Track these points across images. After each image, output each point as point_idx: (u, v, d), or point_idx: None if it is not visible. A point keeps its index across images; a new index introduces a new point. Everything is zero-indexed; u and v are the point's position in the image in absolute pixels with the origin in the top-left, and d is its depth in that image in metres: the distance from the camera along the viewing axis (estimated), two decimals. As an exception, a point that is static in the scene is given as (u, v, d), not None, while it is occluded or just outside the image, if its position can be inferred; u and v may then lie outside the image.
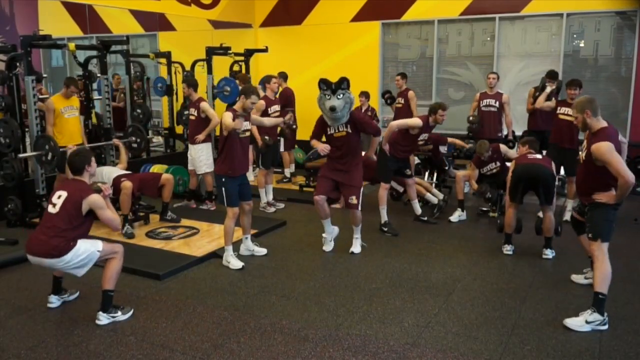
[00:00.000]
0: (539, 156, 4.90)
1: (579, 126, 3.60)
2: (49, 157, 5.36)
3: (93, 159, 3.68)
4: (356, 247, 5.02)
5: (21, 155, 5.62)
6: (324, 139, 4.92)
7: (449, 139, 6.80)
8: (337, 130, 4.75)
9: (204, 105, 6.14)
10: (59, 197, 3.49)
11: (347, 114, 4.65)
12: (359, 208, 4.87)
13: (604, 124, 3.52)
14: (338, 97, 4.53)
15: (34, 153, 5.43)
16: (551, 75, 6.56)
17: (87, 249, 3.52)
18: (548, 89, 6.17)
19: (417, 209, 6.00)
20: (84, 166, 3.59)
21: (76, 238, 3.49)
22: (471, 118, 6.82)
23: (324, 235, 5.09)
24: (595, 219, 3.59)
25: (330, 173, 4.89)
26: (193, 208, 6.56)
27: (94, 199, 3.49)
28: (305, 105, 7.81)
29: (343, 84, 4.53)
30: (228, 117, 4.40)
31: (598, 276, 3.49)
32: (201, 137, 6.20)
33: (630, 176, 3.32)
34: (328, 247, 5.07)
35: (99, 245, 3.57)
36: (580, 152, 3.79)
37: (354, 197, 4.83)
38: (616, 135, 3.52)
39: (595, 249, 3.55)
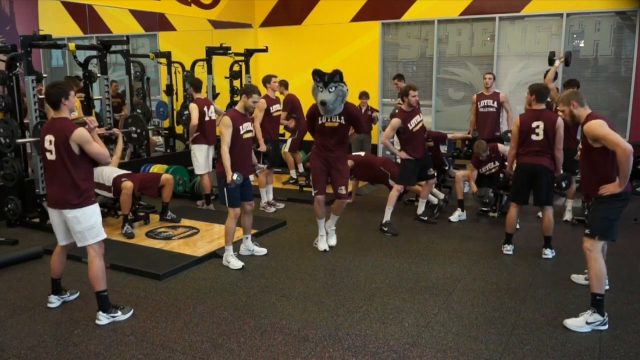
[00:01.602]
0: (541, 132, 4.63)
1: (568, 119, 3.60)
2: None
3: (72, 93, 3.52)
4: (332, 239, 5.11)
5: (19, 140, 5.55)
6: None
7: (449, 135, 6.82)
8: (329, 120, 4.74)
9: (190, 106, 6.26)
10: (50, 143, 3.44)
11: (339, 106, 4.61)
12: (347, 198, 4.97)
13: (590, 111, 3.51)
14: (330, 90, 4.49)
15: (34, 139, 5.40)
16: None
17: (100, 224, 3.56)
18: (557, 62, 6.11)
19: (422, 207, 6.00)
20: (60, 99, 3.43)
21: (90, 187, 3.51)
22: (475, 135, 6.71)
23: (320, 234, 5.06)
24: (597, 214, 3.51)
25: (322, 164, 4.86)
26: (198, 207, 6.57)
27: (79, 134, 3.38)
28: (306, 105, 7.79)
29: (335, 77, 4.49)
30: (226, 126, 4.42)
31: (592, 277, 3.45)
32: (190, 138, 6.32)
33: (627, 145, 3.22)
34: (324, 245, 5.04)
35: (104, 236, 3.61)
36: (578, 152, 3.78)
37: (343, 188, 4.89)
38: (606, 119, 3.44)
39: (588, 246, 3.47)
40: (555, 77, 6.53)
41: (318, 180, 4.90)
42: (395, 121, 5.51)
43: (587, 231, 3.53)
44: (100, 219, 3.60)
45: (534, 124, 4.68)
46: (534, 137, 4.68)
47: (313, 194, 4.93)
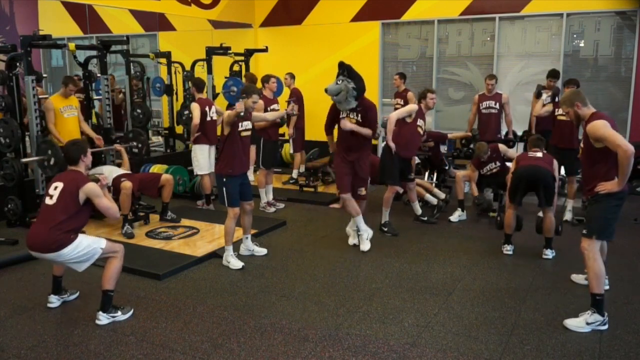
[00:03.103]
0: (539, 154, 4.89)
1: (572, 120, 3.58)
2: (52, 162, 5.34)
3: (89, 150, 3.68)
4: (365, 244, 5.03)
5: (23, 160, 5.59)
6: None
7: (449, 135, 6.87)
8: (347, 116, 4.85)
9: (191, 105, 6.23)
10: (56, 188, 3.49)
11: (345, 101, 4.74)
12: (367, 198, 5.01)
13: (594, 109, 3.50)
14: (337, 82, 4.71)
15: (36, 158, 5.42)
16: (552, 74, 6.56)
17: (90, 244, 3.52)
18: (544, 96, 6.18)
19: (417, 209, 6.00)
20: (80, 156, 3.58)
21: (75, 230, 3.49)
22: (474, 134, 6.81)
23: (359, 233, 5.08)
24: (594, 213, 3.49)
25: (345, 166, 4.95)
26: (198, 207, 6.57)
27: (91, 188, 3.47)
28: (306, 105, 7.82)
29: (344, 72, 4.72)
30: (229, 115, 4.43)
31: (591, 277, 3.44)
32: (191, 138, 6.31)
33: (629, 146, 3.20)
34: (365, 246, 5.02)
35: (102, 242, 3.57)
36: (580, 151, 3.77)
37: (362, 189, 4.95)
38: (608, 118, 3.43)
39: (585, 245, 3.45)
40: (554, 100, 6.47)
41: (342, 181, 4.99)
42: (413, 107, 5.55)
43: (584, 231, 3.51)
44: (88, 241, 3.54)
45: (531, 154, 4.93)
46: (531, 154, 4.92)
47: (338, 195, 5.10)
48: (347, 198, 4.97)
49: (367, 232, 5.07)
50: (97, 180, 3.61)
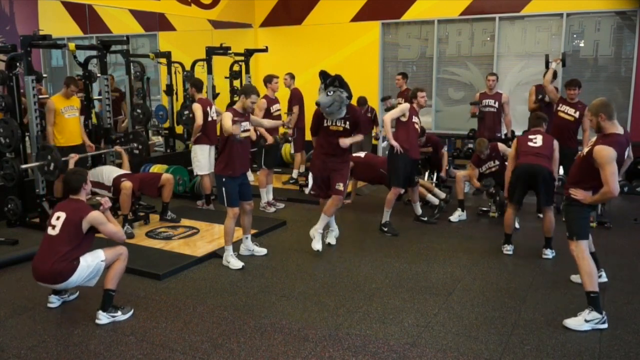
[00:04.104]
0: (539, 142, 4.82)
1: (594, 128, 3.61)
2: (51, 168, 5.33)
3: (89, 177, 3.74)
4: (318, 243, 4.85)
5: (23, 166, 5.59)
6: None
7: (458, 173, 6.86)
8: (333, 124, 4.77)
9: (193, 106, 6.21)
10: (58, 219, 3.51)
11: (338, 111, 4.65)
12: (343, 197, 4.87)
13: (618, 130, 3.50)
14: (328, 93, 4.56)
15: (37, 164, 5.41)
16: (552, 74, 6.61)
17: (90, 263, 3.54)
18: (553, 65, 6.19)
19: (418, 209, 6.00)
20: (81, 185, 3.62)
21: (78, 257, 3.52)
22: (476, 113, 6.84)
23: (318, 230, 4.91)
24: (569, 216, 3.65)
25: (321, 172, 4.91)
26: (198, 207, 6.57)
27: (94, 216, 3.51)
28: (306, 105, 7.82)
29: (335, 82, 4.56)
30: (228, 118, 4.39)
31: (583, 276, 3.52)
32: (192, 139, 6.29)
33: (615, 189, 3.37)
34: (318, 244, 4.86)
35: (100, 255, 3.59)
36: (580, 150, 3.80)
37: (341, 184, 4.80)
38: (625, 145, 3.50)
39: (573, 248, 3.59)
40: (555, 77, 6.56)
41: (316, 189, 5.02)
42: (405, 106, 5.54)
43: (567, 234, 3.66)
44: (87, 261, 3.55)
45: (531, 137, 4.89)
46: (531, 144, 4.85)
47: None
48: (322, 203, 5.04)
49: (336, 231, 5.17)
50: (98, 205, 3.65)
